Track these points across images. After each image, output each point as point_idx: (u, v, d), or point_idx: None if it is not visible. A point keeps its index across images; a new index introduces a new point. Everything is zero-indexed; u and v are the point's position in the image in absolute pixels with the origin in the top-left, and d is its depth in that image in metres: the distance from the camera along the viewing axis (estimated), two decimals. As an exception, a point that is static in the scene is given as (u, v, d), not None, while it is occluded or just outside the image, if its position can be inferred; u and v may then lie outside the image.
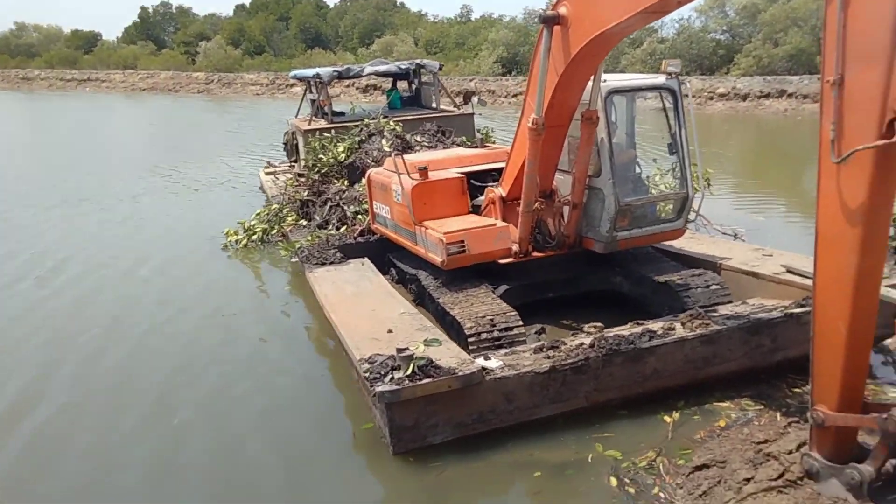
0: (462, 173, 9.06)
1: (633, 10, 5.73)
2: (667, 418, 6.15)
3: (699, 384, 6.54)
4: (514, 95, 40.16)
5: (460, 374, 5.79)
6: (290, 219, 13.02)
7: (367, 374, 5.93)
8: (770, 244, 9.23)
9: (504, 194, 8.53)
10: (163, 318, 9.60)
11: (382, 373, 5.87)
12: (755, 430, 5.65)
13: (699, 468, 5.27)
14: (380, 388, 5.67)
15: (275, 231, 13.03)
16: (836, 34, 4.20)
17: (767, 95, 31.09)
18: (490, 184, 9.05)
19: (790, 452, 5.08)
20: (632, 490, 5.21)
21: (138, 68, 72.99)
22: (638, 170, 8.59)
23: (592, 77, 7.31)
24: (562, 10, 6.63)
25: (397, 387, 5.64)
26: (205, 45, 72.28)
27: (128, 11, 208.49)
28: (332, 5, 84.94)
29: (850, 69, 4.20)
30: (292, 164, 18.13)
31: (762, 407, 6.18)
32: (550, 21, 6.73)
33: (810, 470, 4.81)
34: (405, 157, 9.10)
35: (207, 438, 6.54)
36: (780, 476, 4.89)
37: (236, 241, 13.00)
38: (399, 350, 5.94)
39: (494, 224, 8.26)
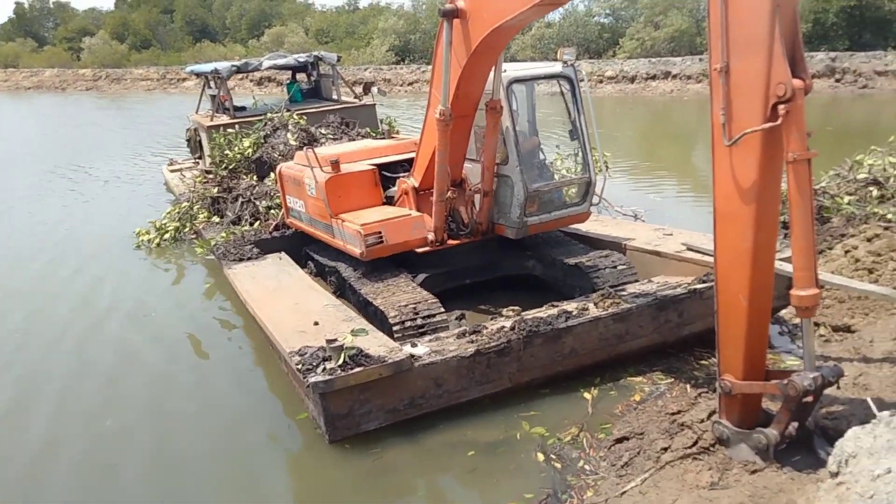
0: (373, 165, 9.15)
1: (529, 2, 5.95)
2: (586, 395, 6.49)
3: (613, 360, 6.91)
4: (410, 83, 40.39)
5: (390, 361, 5.95)
6: (201, 216, 12.83)
7: (298, 366, 6.00)
8: (667, 223, 9.74)
9: (416, 185, 8.66)
10: (85, 322, 9.40)
11: (314, 364, 5.96)
12: (668, 402, 6.03)
13: (619, 440, 5.59)
14: (313, 378, 5.77)
15: (187, 229, 12.82)
16: (720, 24, 4.47)
17: (654, 77, 32.42)
18: (402, 175, 9.17)
19: (702, 421, 5.38)
20: (558, 465, 5.50)
21: (20, 66, 69.64)
22: (542, 156, 8.89)
23: (494, 67, 7.52)
24: (460, 4, 6.80)
25: (330, 377, 5.75)
26: (89, 41, 69.62)
27: (1, 7, 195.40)
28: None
29: (735, 57, 4.47)
30: (196, 160, 17.75)
31: (673, 380, 6.60)
32: (450, 15, 6.89)
33: (721, 436, 5.09)
34: (316, 150, 9.11)
35: (140, 438, 6.50)
36: (695, 444, 5.18)
37: (149, 241, 12.73)
38: (329, 341, 6.04)
39: (410, 214, 8.40)
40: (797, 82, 4.28)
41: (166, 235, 12.74)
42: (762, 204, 4.62)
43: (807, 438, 4.90)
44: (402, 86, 40.41)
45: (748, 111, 4.49)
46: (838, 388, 4.99)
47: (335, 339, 6.07)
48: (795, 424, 4.87)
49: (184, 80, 51.99)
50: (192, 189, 14.26)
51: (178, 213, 13.26)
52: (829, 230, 9.15)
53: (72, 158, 23.40)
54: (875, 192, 9.78)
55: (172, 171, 17.86)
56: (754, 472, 4.69)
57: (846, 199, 9.78)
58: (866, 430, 3.59)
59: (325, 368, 5.88)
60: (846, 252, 8.39)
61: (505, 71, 7.86)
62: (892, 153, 10.44)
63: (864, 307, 7.37)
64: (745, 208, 4.65)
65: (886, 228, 8.55)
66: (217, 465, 6.01)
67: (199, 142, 17.00)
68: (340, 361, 5.87)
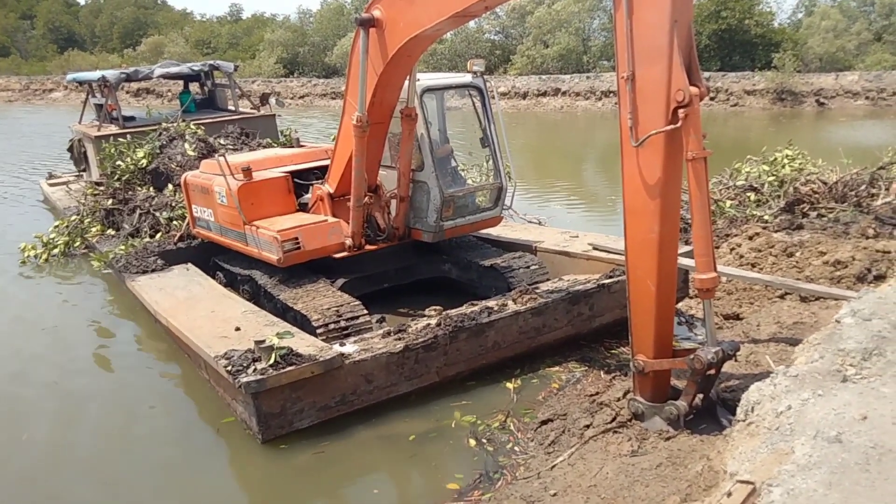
0: (286, 172, 9.21)
1: (444, 14, 6.26)
2: (509, 385, 6.86)
3: (532, 352, 7.32)
4: (301, 97, 40.13)
5: (321, 359, 6.10)
6: (94, 229, 12.33)
7: (228, 369, 6.03)
8: (567, 228, 10.27)
9: (332, 191, 8.79)
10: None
11: (244, 365, 6.03)
12: (586, 386, 6.50)
13: (545, 422, 5.99)
14: (245, 378, 5.84)
15: (77, 244, 12.30)
16: (626, 36, 4.98)
17: (545, 94, 33.71)
18: (314, 182, 9.29)
19: (618, 400, 5.88)
20: (490, 448, 5.83)
21: None
22: (454, 163, 9.24)
23: (409, 76, 7.79)
24: (376, 13, 7.02)
25: (262, 376, 5.84)
26: (-69, 44, 64.60)
27: None
28: (83, 3, 79.11)
29: (639, 67, 5.00)
30: (80, 172, 17.07)
31: (587, 368, 7.07)
32: (366, 23, 7.10)
33: (636, 411, 5.61)
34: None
35: (63, 455, 6.31)
36: (613, 419, 5.67)
37: (36, 256, 12.13)
38: (258, 342, 6.12)
39: (326, 220, 8.53)
40: (694, 89, 4.85)
41: (55, 250, 12.20)
42: (666, 199, 5.17)
43: (711, 408, 5.52)
44: (292, 98, 40.13)
45: (652, 115, 5.02)
46: (736, 361, 5.59)
47: (264, 341, 6.15)
48: (701, 396, 5.42)
49: (50, 90, 49.66)
50: (83, 202, 13.64)
51: (67, 226, 12.69)
52: (714, 231, 9.96)
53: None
54: (753, 197, 10.84)
55: (52, 184, 17.12)
56: (668, 438, 5.23)
57: (728, 203, 10.75)
58: (766, 382, 4.16)
59: (255, 369, 5.96)
60: (731, 249, 9.25)
61: (418, 80, 8.14)
62: (765, 163, 11.52)
63: (749, 297, 8.16)
64: (651, 203, 5.18)
65: (764, 228, 9.49)
66: (152, 476, 5.92)
67: (84, 153, 16.38)
68: (272, 361, 5.96)
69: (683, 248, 7.75)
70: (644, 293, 5.39)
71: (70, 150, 17.66)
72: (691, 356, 5.21)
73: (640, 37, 4.96)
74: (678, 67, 4.83)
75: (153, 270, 9.50)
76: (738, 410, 4.29)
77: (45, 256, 12.13)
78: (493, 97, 8.63)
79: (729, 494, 3.25)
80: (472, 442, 5.92)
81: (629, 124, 5.13)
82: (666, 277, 5.37)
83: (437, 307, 7.65)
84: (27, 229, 13.91)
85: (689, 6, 4.96)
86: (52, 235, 12.53)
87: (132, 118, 16.60)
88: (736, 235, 9.62)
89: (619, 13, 5.02)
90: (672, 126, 4.91)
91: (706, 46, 34.04)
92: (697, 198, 5.00)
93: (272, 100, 17.09)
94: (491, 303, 7.36)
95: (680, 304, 8.08)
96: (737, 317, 7.85)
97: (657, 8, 4.81)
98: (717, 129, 26.39)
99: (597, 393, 6.23)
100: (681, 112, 4.87)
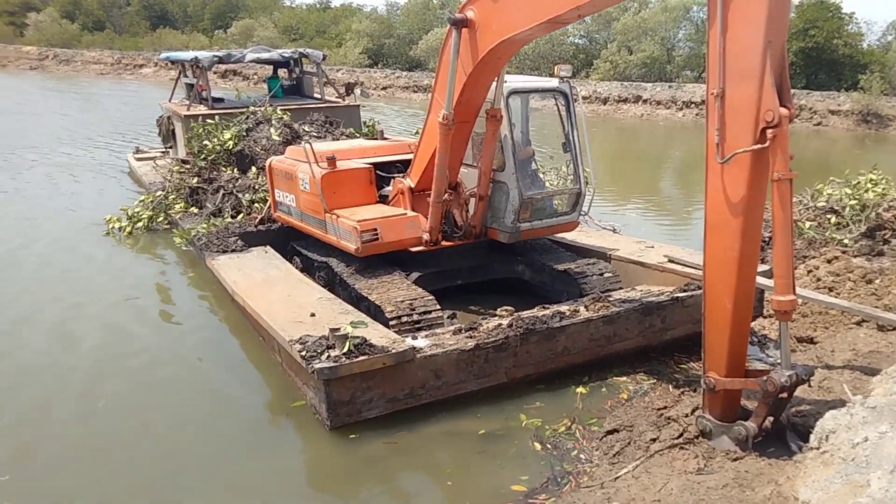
0: (369, 164, 9.38)
1: (538, 19, 6.29)
2: (577, 391, 6.86)
3: (601, 361, 7.31)
4: (384, 88, 40.59)
5: (394, 351, 6.22)
6: (178, 206, 12.81)
7: (302, 354, 6.22)
8: (639, 238, 10.16)
9: (413, 185, 8.93)
10: (63, 311, 9.27)
11: (318, 351, 6.20)
12: (654, 399, 6.48)
13: (611, 432, 5.99)
14: (318, 364, 6.00)
15: (161, 219, 12.79)
16: (718, 54, 4.96)
17: (626, 100, 33.29)
18: (397, 175, 9.45)
19: (686, 416, 5.84)
20: (555, 453, 5.86)
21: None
22: (534, 165, 9.27)
23: (497, 77, 7.86)
24: (469, 14, 7.10)
25: (335, 364, 6.00)
26: (35, 17, 66.89)
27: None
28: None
29: (730, 84, 4.97)
30: (167, 149, 17.69)
31: (655, 380, 7.03)
32: (459, 24, 7.19)
33: (704, 429, 5.56)
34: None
35: (136, 425, 6.55)
36: (680, 435, 5.63)
37: (120, 229, 12.62)
38: (332, 330, 6.28)
39: (405, 213, 8.67)
40: (783, 111, 4.81)
41: (139, 224, 12.68)
42: (748, 217, 5.12)
43: (780, 432, 5.41)
44: (375, 89, 40.61)
45: (740, 133, 4.98)
46: (809, 386, 5.50)
47: (339, 329, 6.32)
48: (771, 419, 5.36)
49: (140, 66, 51.20)
50: (168, 178, 14.20)
51: (152, 201, 13.18)
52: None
53: (21, 142, 22.83)
54: (833, 220, 10.54)
55: (139, 159, 17.77)
56: (736, 459, 5.17)
57: (807, 224, 10.49)
58: (842, 411, 4.10)
59: (329, 356, 6.13)
60: (808, 272, 9.05)
61: (505, 82, 8.20)
62: (847, 185, 11.21)
63: (824, 321, 7.98)
64: (733, 220, 5.13)
65: (843, 252, 9.26)
66: (219, 451, 6.14)
67: (172, 130, 16.95)
68: (345, 349, 6.12)
69: (760, 267, 7.67)
70: (720, 310, 5.35)
71: (159, 126, 18.29)
72: (764, 378, 5.16)
73: (733, 55, 4.94)
74: (769, 88, 4.79)
75: (233, 251, 9.86)
76: (812, 438, 4.24)
77: (128, 229, 12.61)
78: (578, 102, 8.63)
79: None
80: (538, 445, 5.96)
81: (716, 140, 5.09)
82: (743, 296, 5.32)
83: (509, 308, 7.71)
84: (112, 201, 14.55)
85: (784, 27, 4.94)
86: (137, 209, 13.00)
87: (221, 100, 17.10)
88: (814, 258, 9.42)
89: (713, 30, 5.00)
90: (759, 146, 4.88)
91: (792, 63, 33.00)
92: (781, 218, 4.95)
93: (357, 90, 17.35)
94: (563, 307, 7.38)
95: (753, 324, 7.94)
96: (811, 340, 7.69)
97: (752, 28, 4.77)
98: (800, 147, 25.66)
99: (665, 407, 6.20)
100: (769, 132, 4.83)
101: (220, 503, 5.50)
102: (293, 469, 5.96)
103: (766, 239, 7.66)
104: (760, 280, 7.55)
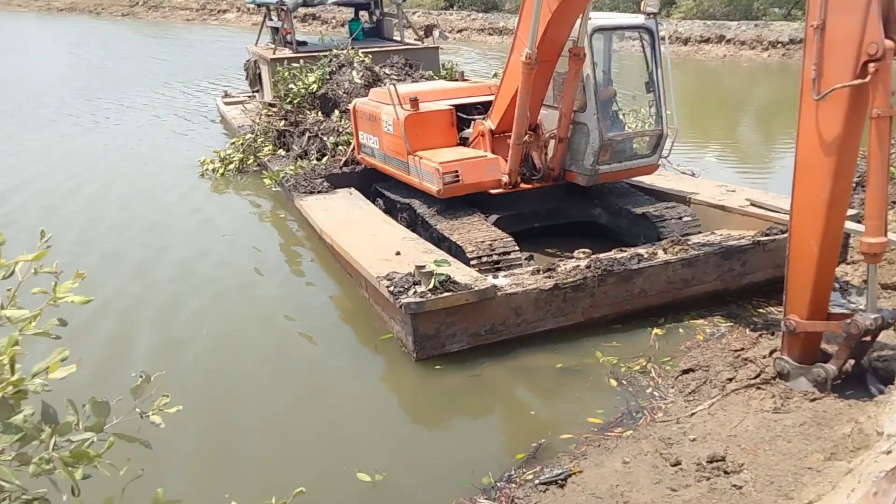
0: (450, 105, 9.47)
1: None
2: (653, 332, 6.99)
3: (678, 303, 7.38)
4: (460, 31, 40.15)
5: (477, 288, 6.47)
6: (266, 149, 13.23)
7: (390, 289, 6.53)
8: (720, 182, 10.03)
9: (493, 127, 9.00)
10: (160, 247, 9.94)
11: (405, 287, 6.50)
12: (731, 341, 6.55)
13: (686, 371, 6.13)
14: (405, 299, 6.31)
15: (251, 161, 13.26)
16: None
17: (707, 40, 32.00)
18: (476, 117, 9.54)
19: (764, 357, 5.89)
20: (630, 389, 6.05)
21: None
22: (616, 106, 9.19)
23: (581, 14, 7.78)
24: None
25: (421, 299, 6.29)
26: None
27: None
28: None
29: (832, 16, 4.83)
30: (254, 93, 18.12)
31: (732, 324, 7.06)
32: None
33: (782, 371, 5.61)
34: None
35: (232, 349, 7.09)
36: (758, 376, 5.71)
37: (213, 170, 13.21)
38: (418, 267, 6.57)
39: (486, 156, 8.80)
40: (889, 42, 4.64)
41: (231, 166, 13.22)
42: (842, 157, 5.03)
43: (861, 376, 5.41)
44: (450, 32, 40.17)
45: (839, 68, 4.86)
46: (895, 331, 5.47)
47: (424, 266, 6.59)
48: (852, 362, 5.35)
49: (224, 11, 51.81)
50: (256, 121, 14.60)
51: (242, 144, 13.66)
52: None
53: (115, 87, 23.87)
54: (932, 164, 10.10)
55: (228, 103, 18.27)
56: (814, 400, 5.22)
57: (903, 167, 10.10)
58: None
59: (415, 292, 6.42)
60: (902, 217, 8.74)
61: (590, 19, 8.10)
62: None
63: (914, 269, 7.76)
64: (826, 160, 5.06)
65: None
66: (310, 379, 6.58)
67: (259, 74, 17.31)
68: (431, 286, 6.40)
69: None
70: (806, 253, 5.33)
71: (246, 70, 18.71)
72: (848, 320, 5.15)
73: None
74: (875, 18, 4.64)
75: (319, 192, 10.24)
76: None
77: (221, 171, 13.20)
78: (664, 41, 8.48)
79: (888, 452, 3.25)
80: (613, 382, 6.15)
81: (812, 76, 4.98)
82: (831, 239, 5.30)
83: (586, 250, 7.81)
84: (203, 144, 15.19)
85: None
86: (228, 151, 13.55)
87: (304, 43, 17.27)
88: (910, 202, 9.10)
89: None
90: (860, 80, 4.75)
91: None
92: (878, 158, 4.84)
93: (435, 32, 17.34)
94: (641, 250, 7.45)
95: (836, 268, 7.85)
96: (897, 287, 7.55)
97: None
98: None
99: (742, 349, 6.27)
100: (871, 66, 4.69)
101: (315, 418, 5.96)
102: (381, 396, 6.35)
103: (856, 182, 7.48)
104: (848, 224, 7.43)
